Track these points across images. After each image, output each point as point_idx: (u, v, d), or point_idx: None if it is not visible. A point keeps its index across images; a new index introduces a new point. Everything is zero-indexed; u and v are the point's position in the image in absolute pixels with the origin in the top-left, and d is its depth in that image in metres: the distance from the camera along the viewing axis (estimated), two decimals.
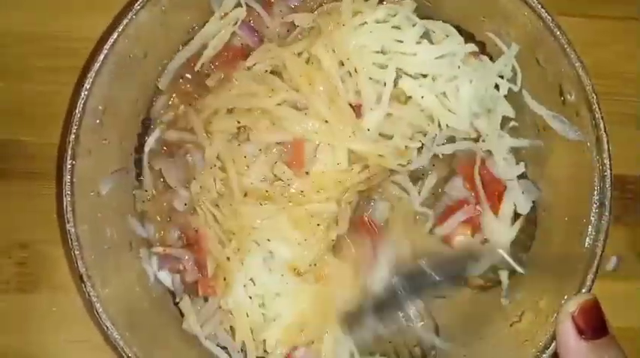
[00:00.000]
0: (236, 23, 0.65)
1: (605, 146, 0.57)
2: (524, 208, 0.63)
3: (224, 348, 0.63)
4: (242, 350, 0.62)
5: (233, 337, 0.62)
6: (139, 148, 0.65)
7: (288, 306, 0.61)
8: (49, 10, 0.74)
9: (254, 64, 0.64)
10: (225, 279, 0.61)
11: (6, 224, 0.71)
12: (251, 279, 0.61)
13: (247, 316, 0.61)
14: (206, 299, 0.63)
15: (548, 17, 0.58)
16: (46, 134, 0.72)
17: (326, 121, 0.61)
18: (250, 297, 0.61)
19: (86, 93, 0.56)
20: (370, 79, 0.61)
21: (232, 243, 0.61)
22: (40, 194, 0.71)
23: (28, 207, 0.72)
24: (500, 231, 0.63)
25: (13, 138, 0.73)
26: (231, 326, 0.62)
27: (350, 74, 0.62)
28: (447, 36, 0.63)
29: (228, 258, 0.61)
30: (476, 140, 0.64)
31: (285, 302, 0.61)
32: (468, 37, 0.65)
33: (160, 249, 0.64)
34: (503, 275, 0.64)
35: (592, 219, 0.57)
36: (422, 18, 0.65)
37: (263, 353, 0.62)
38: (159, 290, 0.65)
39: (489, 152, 0.64)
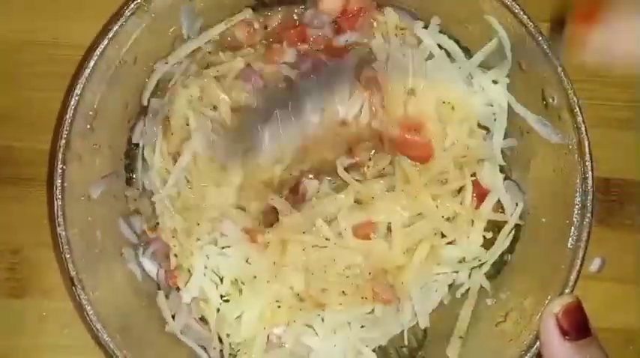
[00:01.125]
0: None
1: (587, 149, 0.58)
2: (509, 210, 0.65)
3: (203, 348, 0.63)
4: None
5: (208, 329, 0.63)
6: (129, 152, 0.66)
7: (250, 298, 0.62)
8: (40, 17, 0.74)
9: None
10: (183, 267, 0.63)
11: None
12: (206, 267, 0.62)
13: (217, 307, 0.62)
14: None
15: (530, 23, 0.59)
16: (37, 140, 0.72)
17: None
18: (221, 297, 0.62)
19: (76, 98, 0.57)
20: None
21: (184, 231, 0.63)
22: (30, 199, 0.72)
23: (18, 212, 0.72)
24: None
25: (3, 144, 0.73)
26: (202, 317, 0.63)
27: None
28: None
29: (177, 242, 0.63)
30: None
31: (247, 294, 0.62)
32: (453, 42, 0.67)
33: (151, 233, 0.65)
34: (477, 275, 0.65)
35: (574, 220, 0.58)
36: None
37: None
38: (149, 293, 0.65)
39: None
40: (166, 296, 0.65)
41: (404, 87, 0.64)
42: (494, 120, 0.65)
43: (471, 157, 0.65)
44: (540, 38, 0.59)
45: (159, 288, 0.66)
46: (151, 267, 0.65)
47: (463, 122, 0.65)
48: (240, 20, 0.66)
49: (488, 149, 0.65)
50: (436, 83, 0.64)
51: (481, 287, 0.65)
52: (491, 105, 0.65)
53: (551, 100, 0.60)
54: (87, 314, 0.56)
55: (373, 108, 0.64)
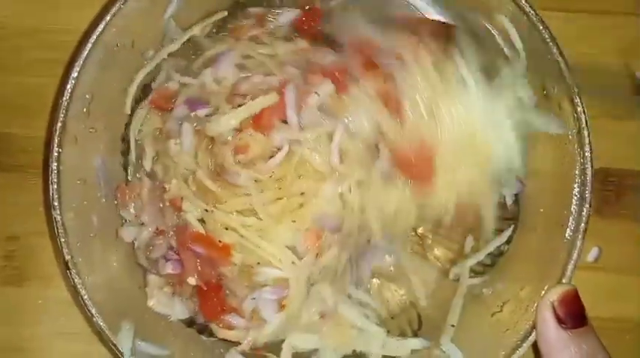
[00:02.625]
0: None
1: (586, 139, 0.58)
2: (508, 199, 0.65)
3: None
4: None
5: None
6: (126, 136, 0.65)
7: None
8: (35, 3, 0.74)
9: None
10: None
11: None
12: None
13: None
14: None
15: (532, 12, 0.59)
16: (33, 126, 0.72)
17: None
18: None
19: (73, 81, 0.57)
20: None
21: None
22: (27, 187, 0.71)
23: (14, 200, 0.72)
24: None
25: (2, 131, 0.72)
26: None
27: None
28: None
29: None
30: None
31: None
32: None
33: None
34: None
35: (572, 211, 0.58)
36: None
37: None
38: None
39: None
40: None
41: (423, 103, 0.59)
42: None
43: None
44: (541, 27, 0.59)
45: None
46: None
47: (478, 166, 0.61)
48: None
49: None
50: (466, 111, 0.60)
51: (474, 275, 0.65)
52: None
53: (551, 90, 0.60)
54: (81, 298, 0.56)
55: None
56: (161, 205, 0.63)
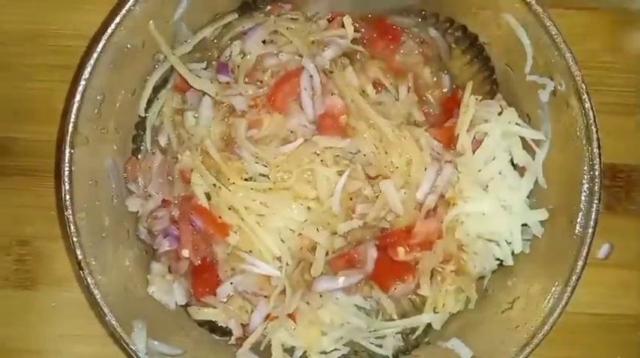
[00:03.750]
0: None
1: (595, 135, 0.58)
2: None
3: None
4: None
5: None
6: (137, 138, 0.66)
7: None
8: (45, 9, 0.74)
9: None
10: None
11: (5, 221, 0.72)
12: None
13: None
14: None
15: (539, 9, 0.59)
16: (41, 131, 0.72)
17: None
18: None
19: (84, 83, 0.57)
20: None
21: None
22: (38, 191, 0.72)
23: (26, 204, 0.72)
24: None
25: (11, 136, 0.73)
26: None
27: None
28: None
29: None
30: None
31: None
32: (461, 30, 0.66)
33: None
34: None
35: (582, 207, 0.58)
36: (415, 11, 0.67)
37: None
38: None
39: None
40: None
41: None
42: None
43: None
44: (549, 24, 0.59)
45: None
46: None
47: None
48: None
49: None
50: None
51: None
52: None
53: (559, 87, 0.60)
54: (94, 298, 0.56)
55: None
56: (170, 178, 0.63)
